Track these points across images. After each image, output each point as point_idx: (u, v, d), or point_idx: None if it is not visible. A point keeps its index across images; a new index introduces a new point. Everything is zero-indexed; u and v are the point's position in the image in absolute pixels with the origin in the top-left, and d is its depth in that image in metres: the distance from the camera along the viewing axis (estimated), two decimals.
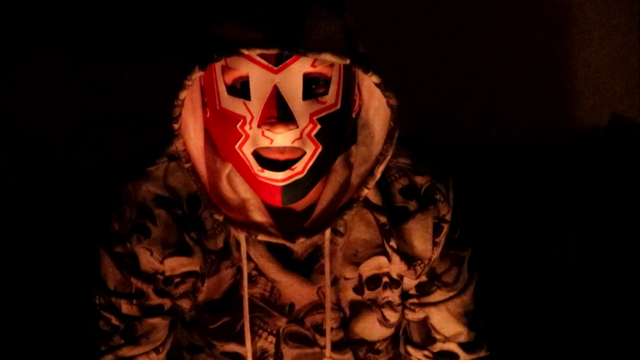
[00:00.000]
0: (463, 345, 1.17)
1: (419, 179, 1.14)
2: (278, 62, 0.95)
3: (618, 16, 2.06)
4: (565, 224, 1.82)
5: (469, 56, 2.07)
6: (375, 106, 1.08)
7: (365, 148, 1.09)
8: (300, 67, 0.96)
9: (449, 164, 1.18)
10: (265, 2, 0.96)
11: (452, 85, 2.06)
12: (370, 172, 1.07)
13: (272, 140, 0.97)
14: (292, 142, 0.98)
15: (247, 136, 0.99)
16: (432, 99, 2.02)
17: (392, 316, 1.17)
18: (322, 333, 1.14)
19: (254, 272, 1.11)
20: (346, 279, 1.13)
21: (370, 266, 1.13)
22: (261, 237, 1.06)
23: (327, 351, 1.14)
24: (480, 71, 2.07)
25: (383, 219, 1.12)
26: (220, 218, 1.06)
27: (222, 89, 0.99)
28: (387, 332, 1.19)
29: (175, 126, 1.00)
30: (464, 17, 2.05)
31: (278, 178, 1.00)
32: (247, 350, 1.14)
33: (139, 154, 1.16)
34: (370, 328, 1.17)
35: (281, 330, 1.14)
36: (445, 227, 1.14)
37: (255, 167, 1.00)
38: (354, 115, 1.07)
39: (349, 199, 1.08)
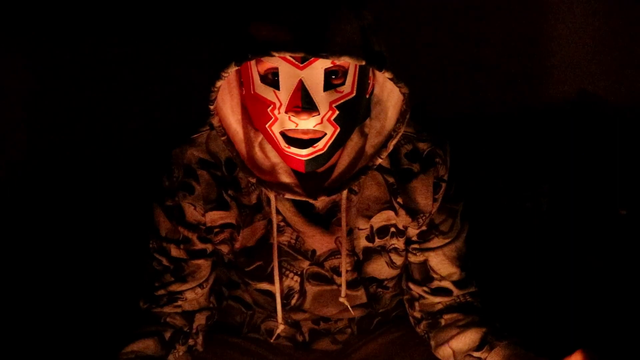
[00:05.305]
0: (456, 283, 1.28)
1: (422, 145, 1.26)
2: (303, 60, 1.07)
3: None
4: (539, 181, 1.97)
5: (456, 40, 2.17)
6: (389, 88, 1.19)
7: (379, 123, 1.21)
8: (322, 64, 1.08)
9: (445, 131, 1.29)
10: (294, 5, 1.06)
11: (439, 64, 2.17)
12: (384, 145, 1.19)
13: (297, 124, 1.10)
14: (314, 126, 1.10)
15: (276, 119, 1.11)
16: (421, 76, 2.11)
17: (398, 259, 1.30)
18: (339, 274, 1.27)
19: (282, 224, 1.25)
20: (359, 229, 1.26)
21: (380, 218, 1.26)
22: (288, 196, 1.19)
23: (343, 291, 1.27)
24: (465, 51, 2.18)
25: (391, 180, 1.25)
26: (253, 180, 1.19)
27: (256, 77, 1.11)
28: (394, 272, 1.31)
29: (211, 107, 1.14)
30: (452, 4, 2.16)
31: (302, 154, 1.13)
32: (276, 288, 1.27)
33: (184, 124, 1.28)
34: (380, 269, 1.30)
35: (304, 271, 1.28)
36: (443, 185, 1.26)
37: (283, 144, 1.13)
38: (367, 96, 1.18)
39: (364, 165, 1.20)
